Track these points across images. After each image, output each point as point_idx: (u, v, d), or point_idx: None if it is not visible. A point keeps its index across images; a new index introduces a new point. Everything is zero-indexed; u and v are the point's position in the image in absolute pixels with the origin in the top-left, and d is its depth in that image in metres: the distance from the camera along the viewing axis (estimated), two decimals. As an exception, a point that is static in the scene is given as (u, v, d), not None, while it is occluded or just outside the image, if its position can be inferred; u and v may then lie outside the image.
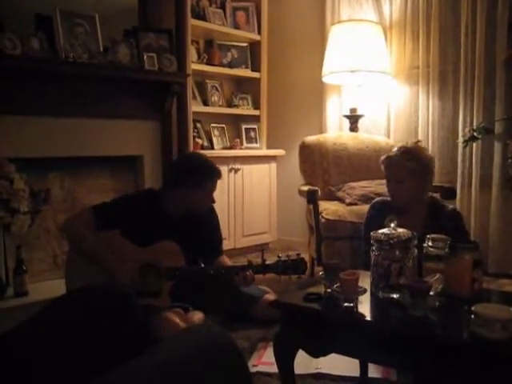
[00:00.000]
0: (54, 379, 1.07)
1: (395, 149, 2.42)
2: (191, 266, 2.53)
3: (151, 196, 2.70)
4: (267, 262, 2.49)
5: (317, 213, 3.21)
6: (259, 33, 4.45)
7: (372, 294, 1.68)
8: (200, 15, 4.06)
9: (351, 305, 1.56)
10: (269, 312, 2.32)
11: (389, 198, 2.53)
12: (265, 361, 2.19)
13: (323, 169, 3.64)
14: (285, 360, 1.68)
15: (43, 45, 2.91)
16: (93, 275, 2.44)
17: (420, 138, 3.84)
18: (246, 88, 4.58)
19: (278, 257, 2.46)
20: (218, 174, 2.64)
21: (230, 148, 4.33)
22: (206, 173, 2.61)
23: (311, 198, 3.23)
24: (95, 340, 1.13)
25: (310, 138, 3.76)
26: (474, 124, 3.54)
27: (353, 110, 4.04)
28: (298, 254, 2.47)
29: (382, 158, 2.47)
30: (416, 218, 2.34)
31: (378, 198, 2.67)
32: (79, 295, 1.25)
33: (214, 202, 2.69)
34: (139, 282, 2.45)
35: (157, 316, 2.26)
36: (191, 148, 3.88)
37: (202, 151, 3.86)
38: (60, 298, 1.26)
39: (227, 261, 2.80)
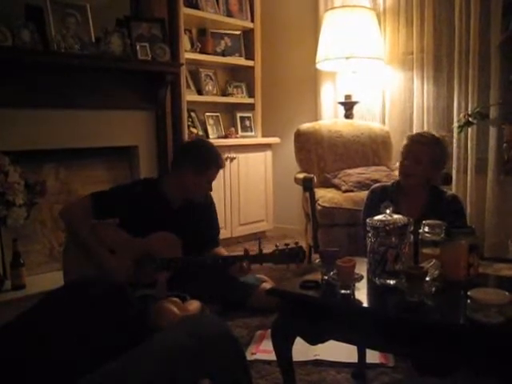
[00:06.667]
0: (55, 369, 1.08)
1: (422, 131, 2.43)
2: (188, 257, 2.54)
3: (150, 183, 2.73)
4: (264, 252, 2.49)
5: (313, 200, 3.21)
6: (252, 20, 4.42)
7: (369, 281, 1.68)
8: (192, 3, 4.02)
9: (348, 292, 1.57)
10: (266, 301, 2.32)
11: (388, 183, 2.53)
12: (263, 349, 2.20)
13: (319, 156, 3.64)
14: (283, 347, 1.69)
15: (34, 36, 2.88)
16: (89, 267, 2.44)
17: (415, 123, 3.84)
18: (240, 76, 4.56)
19: (276, 246, 2.45)
20: (223, 164, 2.76)
21: (225, 137, 4.32)
22: (215, 160, 2.68)
23: (307, 186, 3.23)
24: (92, 329, 1.13)
25: (305, 126, 3.75)
26: (469, 109, 3.53)
27: (347, 97, 4.02)
28: (297, 243, 2.44)
29: (411, 133, 2.47)
30: (417, 202, 2.36)
31: (377, 184, 2.67)
32: (75, 287, 1.25)
33: (211, 190, 2.72)
34: (135, 273, 2.45)
35: (154, 305, 2.28)
36: (186, 137, 3.87)
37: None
38: (56, 289, 1.26)
39: (223, 252, 2.80)
